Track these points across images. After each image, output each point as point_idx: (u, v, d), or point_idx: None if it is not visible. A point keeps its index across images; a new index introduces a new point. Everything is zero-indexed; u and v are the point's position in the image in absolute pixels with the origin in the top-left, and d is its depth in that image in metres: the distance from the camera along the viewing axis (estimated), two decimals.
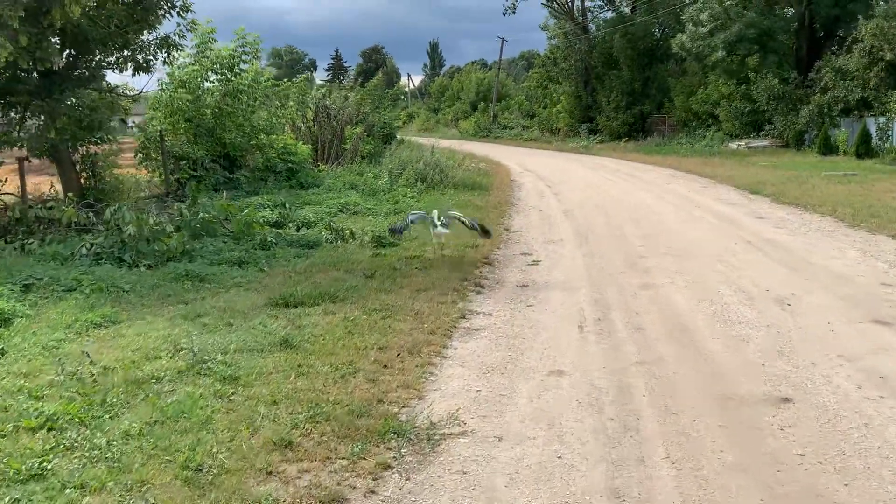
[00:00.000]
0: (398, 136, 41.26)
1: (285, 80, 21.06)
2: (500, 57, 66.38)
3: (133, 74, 14.65)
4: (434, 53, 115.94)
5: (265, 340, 6.89)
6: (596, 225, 13.93)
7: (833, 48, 31.42)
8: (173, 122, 17.50)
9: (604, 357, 6.31)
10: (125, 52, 14.37)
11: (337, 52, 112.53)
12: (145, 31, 14.52)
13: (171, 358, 6.53)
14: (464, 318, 7.78)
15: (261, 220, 13.82)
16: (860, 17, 29.20)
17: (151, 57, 14.69)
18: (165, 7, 14.28)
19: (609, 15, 50.80)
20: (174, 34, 14.75)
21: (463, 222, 11.43)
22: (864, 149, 26.73)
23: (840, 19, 34.91)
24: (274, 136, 19.72)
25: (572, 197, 18.66)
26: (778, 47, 34.98)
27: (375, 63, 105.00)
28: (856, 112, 29.63)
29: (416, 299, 8.45)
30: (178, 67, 17.60)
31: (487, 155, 37.31)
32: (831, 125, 30.01)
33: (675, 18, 45.38)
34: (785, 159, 28.15)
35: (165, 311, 8.24)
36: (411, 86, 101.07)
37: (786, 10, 36.95)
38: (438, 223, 11.32)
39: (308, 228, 14.15)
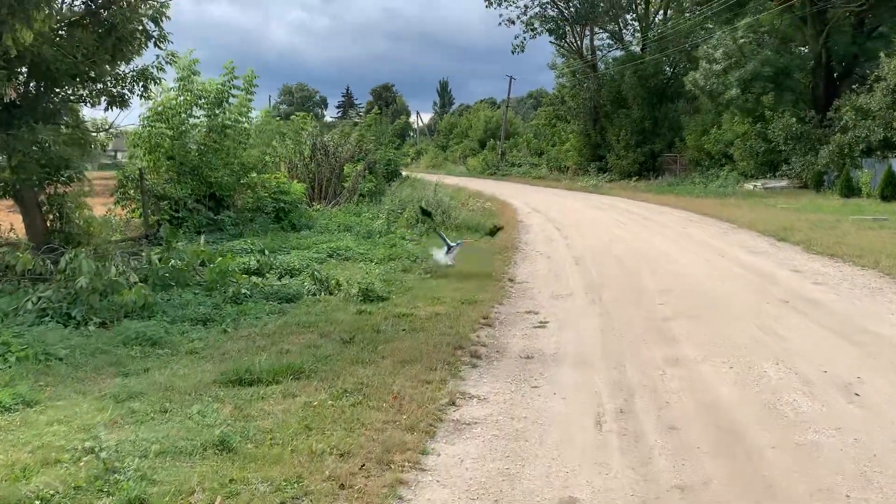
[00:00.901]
0: (404, 173, 40.20)
1: (277, 118, 19.72)
2: (509, 95, 65.59)
3: (106, 109, 13.34)
4: (444, 92, 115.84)
5: (199, 438, 5.37)
6: (610, 276, 12.41)
7: (854, 86, 30.00)
8: (154, 159, 16.19)
9: (631, 477, 4.75)
10: (98, 85, 13.10)
11: (347, 89, 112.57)
12: (121, 63, 13.28)
13: (74, 463, 5.01)
14: (453, 404, 6.24)
15: (238, 269, 12.42)
16: (882, 54, 27.87)
17: (127, 90, 13.40)
18: (142, 38, 13.02)
19: (618, 53, 49.87)
20: (152, 66, 13.47)
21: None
22: (891, 191, 25.19)
23: (858, 57, 33.68)
24: (266, 175, 18.39)
25: (583, 241, 17.17)
26: (794, 86, 33.68)
27: (385, 101, 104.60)
28: (878, 153, 28.15)
29: (397, 375, 6.93)
30: (160, 102, 16.35)
31: (494, 193, 35.99)
32: (853, 166, 28.52)
33: (686, 56, 44.37)
34: (805, 201, 26.63)
35: (97, 388, 6.77)
36: (420, 123, 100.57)
37: (801, 48, 35.76)
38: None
39: (291, 277, 12.69)
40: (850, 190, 27.70)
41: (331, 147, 22.19)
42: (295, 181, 20.49)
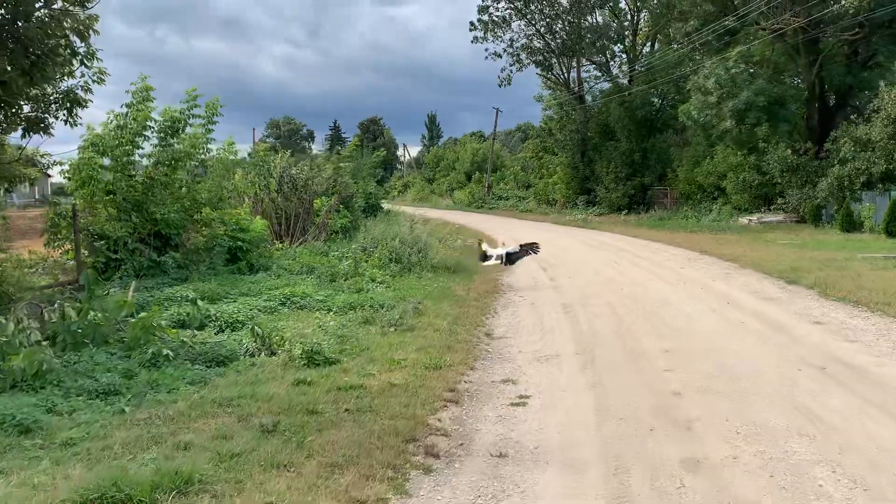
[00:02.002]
0: (385, 207, 38.41)
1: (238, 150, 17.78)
2: (496, 127, 64.22)
3: (23, 136, 11.49)
4: (432, 125, 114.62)
5: None
6: (603, 330, 10.52)
7: (853, 116, 28.56)
8: (89, 193, 14.29)
9: None
10: (12, 109, 11.26)
11: (335, 122, 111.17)
12: (44, 84, 11.47)
13: None
14: None
15: (170, 322, 10.50)
16: (882, 83, 26.45)
17: (48, 115, 11.58)
18: (65, 55, 11.22)
19: (605, 86, 48.58)
20: (77, 87, 11.66)
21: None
22: None
23: (853, 88, 32.35)
24: (223, 211, 16.50)
25: (572, 285, 15.32)
26: (789, 116, 32.25)
27: (373, 134, 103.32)
28: (880, 186, 26.59)
29: (320, 491, 5.03)
30: (96, 133, 14.53)
31: (480, 227, 34.28)
32: (853, 199, 26.92)
33: (675, 88, 43.06)
34: (805, 237, 24.95)
35: None
36: (407, 156, 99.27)
37: (795, 79, 34.43)
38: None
39: (233, 331, 10.79)
40: (851, 224, 26.08)
41: (300, 180, 20.36)
42: (258, 217, 18.61)
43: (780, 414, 6.46)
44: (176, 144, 15.65)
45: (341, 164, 24.80)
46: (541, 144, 54.01)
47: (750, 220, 31.43)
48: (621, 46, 47.65)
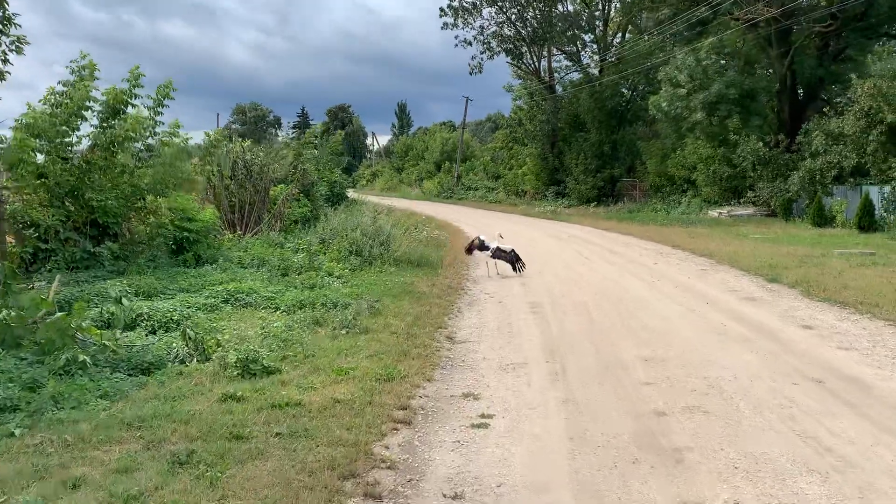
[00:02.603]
0: (351, 196, 37.18)
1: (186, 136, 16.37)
2: (465, 115, 63.15)
3: None
4: (402, 114, 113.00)
5: None
6: (575, 333, 9.55)
7: (824, 109, 28.03)
8: (19, 176, 12.94)
9: None
10: None
11: (303, 109, 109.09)
12: None
13: None
14: None
15: (93, 323, 9.30)
16: (854, 76, 25.88)
17: None
18: None
19: (576, 76, 47.76)
20: None
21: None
22: (868, 221, 23.00)
23: (824, 81, 31.86)
24: (167, 199, 15.22)
25: (541, 281, 14.36)
26: (759, 109, 31.66)
27: (342, 121, 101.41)
28: (851, 180, 26.08)
29: None
30: (31, 112, 13.16)
31: (447, 219, 33.24)
32: (824, 193, 26.38)
33: (645, 79, 42.37)
34: (777, 231, 24.34)
35: None
36: (377, 145, 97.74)
37: (766, 70, 33.83)
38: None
39: (167, 331, 9.63)
40: (823, 219, 25.54)
41: (255, 166, 19.09)
42: (209, 206, 17.35)
43: (783, 442, 5.52)
44: (117, 127, 14.33)
45: (303, 151, 23.49)
46: (510, 135, 53.09)
47: (720, 213, 30.83)
48: (592, 36, 46.85)
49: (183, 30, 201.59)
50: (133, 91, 14.56)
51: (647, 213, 33.80)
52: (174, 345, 8.78)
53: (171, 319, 10.02)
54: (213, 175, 18.97)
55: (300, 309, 11.03)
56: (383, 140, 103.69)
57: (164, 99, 15.12)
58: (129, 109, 14.64)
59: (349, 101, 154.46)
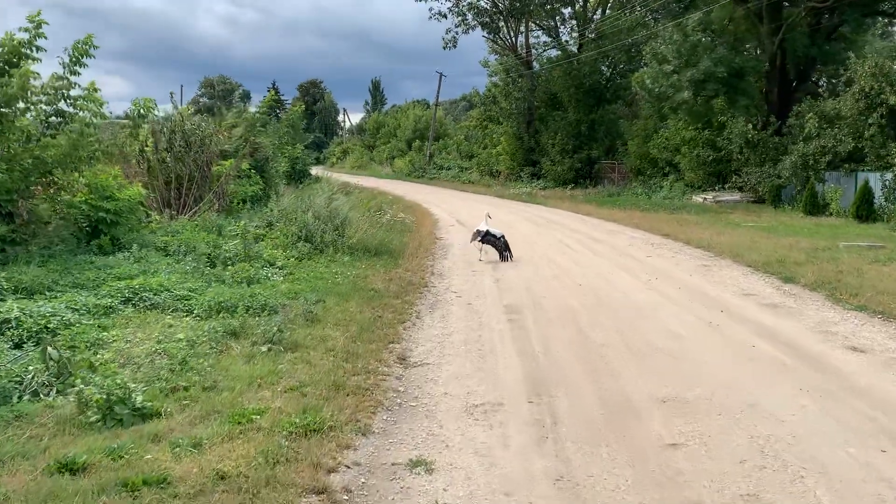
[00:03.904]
0: (315, 173, 34.65)
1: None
2: (438, 92, 60.42)
3: None
4: (376, 92, 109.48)
5: None
6: (566, 358, 7.33)
7: (819, 90, 26.04)
8: None
9: None
10: None
11: (274, 84, 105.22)
12: None
13: None
14: None
15: None
16: (852, 55, 23.89)
17: None
18: None
19: (554, 53, 45.34)
20: None
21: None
22: (866, 210, 21.10)
23: (816, 60, 29.85)
24: (80, 174, 12.73)
25: (519, 277, 12.13)
26: (748, 89, 29.62)
27: (313, 97, 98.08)
28: (846, 166, 24.17)
29: None
30: None
31: (416, 199, 30.87)
32: (817, 180, 24.45)
33: (626, 56, 40.16)
34: (769, 219, 22.36)
35: None
36: (348, 122, 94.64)
37: (755, 49, 31.72)
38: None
39: (37, 344, 7.26)
40: (815, 207, 23.61)
41: (195, 138, 16.56)
42: (137, 182, 14.82)
43: None
44: (14, 85, 11.76)
45: (256, 122, 20.94)
46: (485, 113, 50.56)
47: (705, 198, 28.83)
48: (571, 10, 44.43)
49: (152, 0, 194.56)
50: (34, 43, 11.99)
51: (628, 196, 31.73)
52: (29, 368, 6.45)
53: (46, 327, 7.65)
54: (148, 147, 16.45)
55: (219, 313, 8.70)
56: (356, 117, 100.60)
57: (83, 57, 12.57)
58: (24, 65, 12.04)
59: (322, 76, 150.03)
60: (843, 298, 9.88)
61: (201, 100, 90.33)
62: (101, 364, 6.63)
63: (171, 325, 8.22)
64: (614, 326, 8.36)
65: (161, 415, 5.59)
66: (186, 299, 9.21)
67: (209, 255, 11.90)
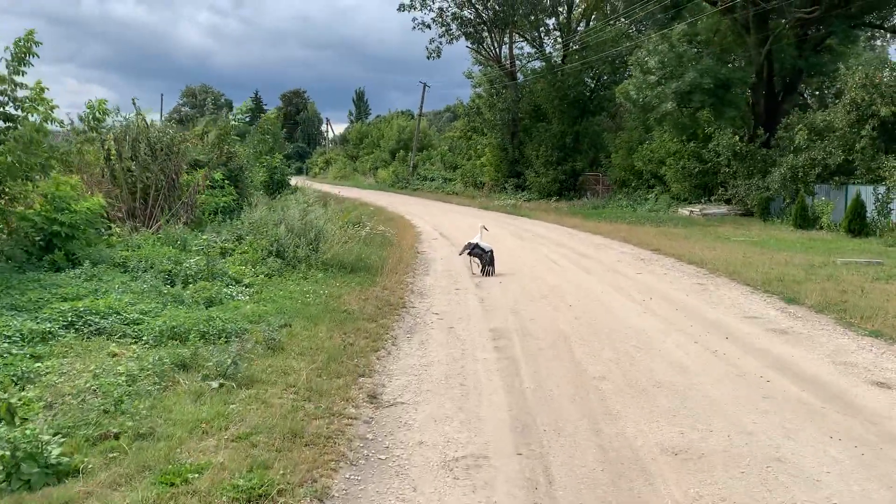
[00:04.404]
0: (294, 184, 33.60)
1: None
2: (422, 102, 59.68)
3: None
4: (360, 102, 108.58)
5: None
6: (559, 396, 6.43)
7: (808, 101, 25.50)
8: None
9: None
10: None
11: (256, 93, 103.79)
12: None
13: None
14: None
15: None
16: (842, 65, 23.37)
17: None
18: None
19: (538, 64, 44.73)
20: None
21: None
22: (858, 224, 20.46)
23: (803, 72, 29.36)
24: (33, 184, 11.72)
25: (505, 297, 11.25)
26: (735, 100, 29.07)
27: (296, 107, 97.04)
28: (836, 179, 23.58)
29: None
30: None
31: (398, 211, 29.98)
32: (807, 193, 23.84)
33: (610, 67, 39.62)
34: (759, 233, 21.68)
35: None
36: (331, 132, 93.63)
37: (741, 61, 31.18)
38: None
39: None
40: (805, 220, 22.97)
41: (160, 145, 15.57)
42: (99, 192, 13.81)
43: None
44: None
45: (229, 130, 19.93)
46: (469, 124, 49.83)
47: (692, 211, 28.15)
48: (555, 21, 43.87)
49: (133, 8, 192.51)
50: None
51: (613, 209, 31.00)
52: None
53: None
54: (113, 155, 15.43)
55: (171, 340, 7.74)
56: (341, 128, 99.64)
57: (27, 56, 11.58)
58: None
59: (306, 86, 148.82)
60: (855, 323, 9.08)
61: (183, 109, 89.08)
62: (22, 404, 5.66)
63: (114, 355, 7.25)
64: (611, 356, 7.48)
65: (80, 472, 4.64)
66: (137, 323, 8.23)
67: (169, 272, 10.94)
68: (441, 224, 24.58)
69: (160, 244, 12.93)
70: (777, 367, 7.08)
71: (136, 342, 7.72)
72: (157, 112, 71.74)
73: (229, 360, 6.71)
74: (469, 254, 13.50)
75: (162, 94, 67.65)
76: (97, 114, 12.76)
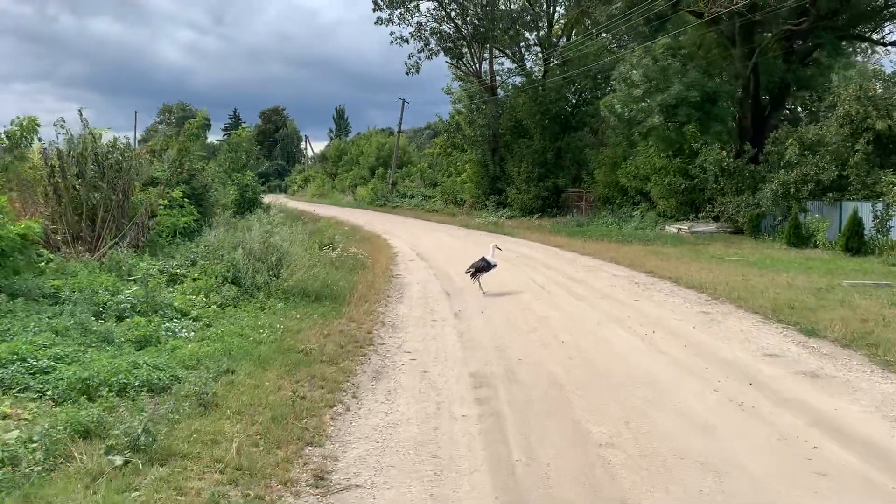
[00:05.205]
0: (266, 202, 32.13)
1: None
2: (401, 118, 58.34)
3: None
4: (340, 120, 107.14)
5: None
6: (553, 468, 5.07)
7: (800, 114, 24.54)
8: None
9: None
10: None
11: (235, 111, 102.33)
12: None
13: None
14: None
15: None
16: (835, 77, 22.43)
17: None
18: None
19: (519, 80, 43.70)
20: None
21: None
22: (857, 243, 19.35)
23: (790, 86, 28.46)
24: None
25: (487, 329, 9.88)
26: (721, 114, 28.06)
27: (275, 125, 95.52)
28: (829, 195, 22.52)
29: None
30: None
31: (376, 229, 28.58)
32: (799, 210, 22.76)
33: (592, 82, 38.66)
34: (753, 252, 20.52)
35: None
36: (311, 150, 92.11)
37: (723, 75, 30.20)
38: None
39: None
40: (799, 238, 21.86)
41: (109, 161, 14.10)
42: (37, 214, 12.33)
43: None
44: None
45: (190, 146, 18.49)
46: (449, 140, 48.64)
47: (680, 228, 27.00)
48: (536, 37, 42.93)
49: (111, 25, 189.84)
50: None
51: (598, 226, 29.78)
52: None
53: None
54: (57, 172, 13.95)
55: (83, 395, 6.30)
56: (321, 145, 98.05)
57: None
58: None
59: (286, 104, 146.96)
60: (891, 361, 7.82)
61: (160, 126, 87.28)
62: None
63: (5, 416, 5.81)
64: (618, 413, 6.12)
65: None
66: (46, 372, 6.78)
67: (104, 304, 9.48)
68: (419, 244, 23.22)
69: (101, 271, 11.45)
70: (821, 426, 5.76)
71: (38, 398, 6.27)
72: (132, 129, 69.93)
73: (139, 428, 5.27)
74: (473, 274, 13.26)
75: (136, 112, 65.71)
76: (24, 132, 11.27)
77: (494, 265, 13.47)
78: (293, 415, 5.98)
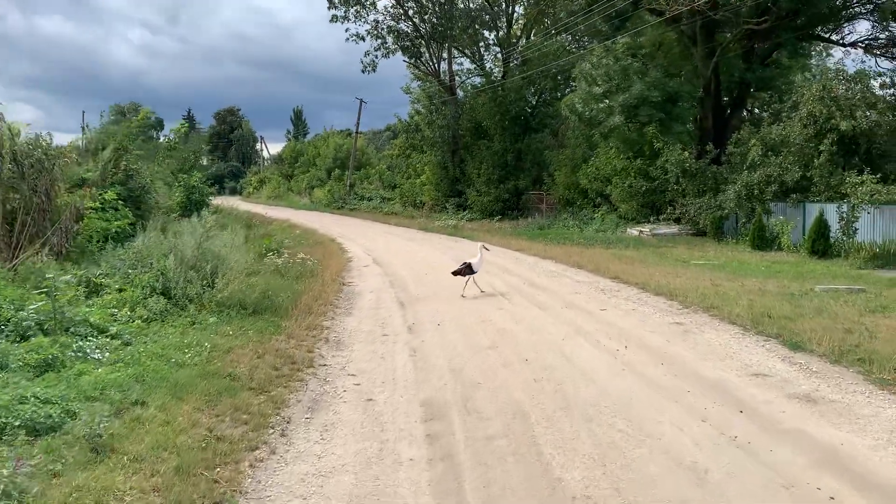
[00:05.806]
0: (215, 204, 30.69)
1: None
2: (359, 118, 57.02)
3: None
4: (298, 121, 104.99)
5: None
6: None
7: (763, 114, 24.11)
8: None
9: None
10: None
11: (189, 112, 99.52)
12: None
13: None
14: None
15: None
16: (798, 77, 22.03)
17: None
18: None
19: (478, 80, 42.91)
20: None
21: None
22: (823, 245, 18.88)
23: (751, 86, 28.12)
24: None
25: (443, 345, 8.90)
26: (683, 115, 27.57)
27: (230, 125, 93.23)
28: (793, 196, 22.10)
29: None
30: None
31: (331, 232, 27.42)
32: (763, 212, 22.30)
33: (552, 82, 38.05)
34: (717, 255, 19.95)
35: None
36: (266, 151, 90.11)
37: (681, 76, 29.75)
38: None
39: None
40: (763, 241, 21.38)
41: (30, 160, 12.78)
42: None
43: None
44: None
45: (128, 144, 17.16)
46: (408, 141, 47.60)
47: (641, 231, 26.39)
48: (495, 37, 42.17)
49: (62, 24, 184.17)
50: None
51: (559, 229, 29.06)
52: None
53: None
54: None
55: None
56: (277, 147, 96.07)
57: None
58: None
59: (243, 105, 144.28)
60: (887, 379, 7.07)
61: (111, 128, 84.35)
62: None
63: None
64: (593, 452, 5.19)
65: None
66: None
67: (7, 321, 8.26)
68: (375, 248, 22.15)
69: (11, 282, 10.18)
70: (831, 468, 4.90)
71: None
72: (80, 130, 67.20)
73: (5, 477, 4.16)
74: (463, 274, 13.14)
75: (83, 111, 62.70)
76: None
77: (475, 272, 13.31)
78: (204, 462, 4.92)
